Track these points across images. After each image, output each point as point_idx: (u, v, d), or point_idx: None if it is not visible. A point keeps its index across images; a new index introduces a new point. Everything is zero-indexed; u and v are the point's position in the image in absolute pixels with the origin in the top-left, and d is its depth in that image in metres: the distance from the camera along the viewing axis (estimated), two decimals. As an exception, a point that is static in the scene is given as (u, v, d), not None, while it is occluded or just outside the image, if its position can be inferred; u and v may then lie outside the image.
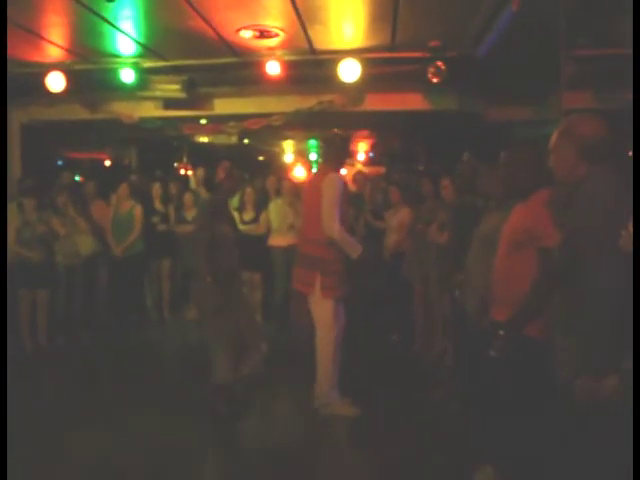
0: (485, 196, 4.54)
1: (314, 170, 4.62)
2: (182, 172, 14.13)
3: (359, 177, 9.27)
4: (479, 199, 4.89)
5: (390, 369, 6.03)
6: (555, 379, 2.89)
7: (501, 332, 3.08)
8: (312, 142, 16.21)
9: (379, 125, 11.24)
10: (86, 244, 7.24)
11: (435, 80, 6.92)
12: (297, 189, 7.58)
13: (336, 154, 4.96)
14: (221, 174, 8.95)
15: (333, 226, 4.64)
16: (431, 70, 6.89)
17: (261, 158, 17.13)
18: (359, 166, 17.48)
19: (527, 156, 3.31)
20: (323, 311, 4.83)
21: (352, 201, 7.64)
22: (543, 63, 6.14)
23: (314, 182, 5.01)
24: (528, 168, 3.24)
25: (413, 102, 8.19)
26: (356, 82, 7.29)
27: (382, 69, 7.28)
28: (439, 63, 6.82)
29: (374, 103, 8.34)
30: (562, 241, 2.82)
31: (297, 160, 16.19)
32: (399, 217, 6.76)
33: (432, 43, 6.70)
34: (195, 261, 5.02)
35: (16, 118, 9.14)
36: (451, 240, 5.33)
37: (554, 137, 3.14)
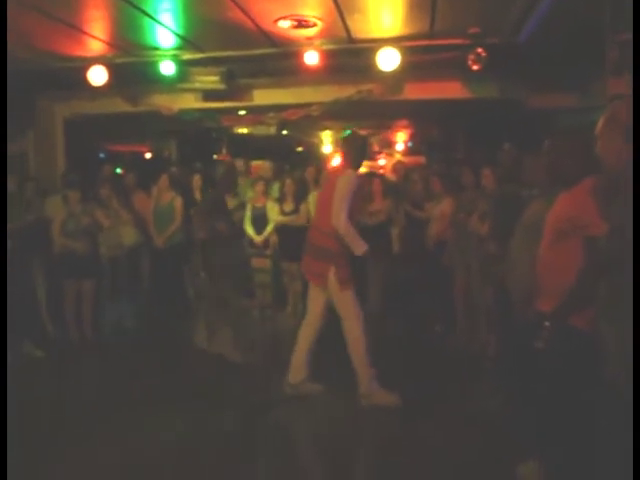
0: (529, 185, 4.46)
1: (333, 163, 4.66)
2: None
3: (399, 167, 9.21)
4: (521, 188, 4.82)
5: (432, 360, 5.97)
6: (603, 371, 2.83)
7: (547, 323, 3.04)
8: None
9: (418, 114, 11.14)
10: (129, 235, 7.34)
11: (475, 67, 6.80)
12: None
13: (355, 154, 5.06)
14: (220, 169, 9.02)
15: (340, 220, 4.73)
16: (471, 57, 6.77)
17: (300, 149, 17.15)
18: (398, 156, 17.37)
19: (572, 144, 3.24)
20: (346, 302, 4.90)
21: (391, 192, 7.64)
22: (586, 48, 6.00)
23: (330, 176, 5.13)
24: (573, 156, 3.17)
25: (452, 90, 8.08)
26: (395, 71, 7.21)
27: (421, 57, 7.17)
28: (479, 50, 6.70)
29: (413, 92, 8.25)
30: (609, 230, 2.76)
31: (335, 151, 16.14)
32: (441, 207, 6.69)
33: (472, 30, 6.58)
34: (193, 257, 5.19)
35: (59, 112, 9.31)
36: (492, 230, 5.26)
37: (600, 124, 3.07)
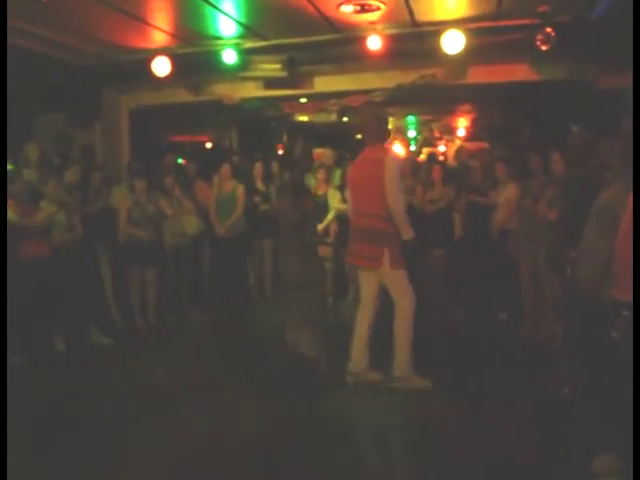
0: (603, 168, 4.27)
1: (370, 146, 4.62)
2: (281, 152, 14.27)
3: (461, 153, 9.04)
4: (593, 172, 4.63)
5: (498, 349, 5.84)
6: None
7: (625, 312, 2.90)
8: (411, 119, 15.97)
9: (482, 99, 10.89)
10: (192, 224, 7.43)
11: (544, 48, 6.56)
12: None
13: (376, 134, 5.09)
14: (298, 150, 8.98)
15: (398, 202, 4.81)
16: (539, 37, 6.53)
17: (359, 136, 17.05)
18: (458, 142, 17.10)
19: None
20: (400, 282, 4.94)
21: (451, 178, 7.50)
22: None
23: (368, 159, 5.04)
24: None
25: (519, 73, 7.87)
26: (459, 54, 7.02)
27: (487, 39, 6.96)
28: (548, 29, 6.45)
29: (478, 75, 8.06)
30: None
31: (396, 137, 15.98)
32: (506, 193, 6.53)
33: (541, 8, 6.34)
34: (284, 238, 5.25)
35: (124, 104, 9.50)
36: (561, 216, 5.09)
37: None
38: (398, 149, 14.83)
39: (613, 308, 3.04)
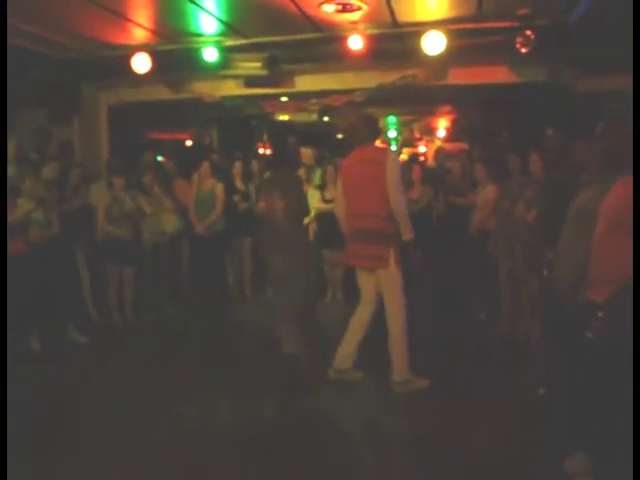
0: (580, 170, 4.31)
1: (362, 146, 4.60)
2: (262, 151, 14.23)
3: (440, 154, 9.07)
4: (570, 174, 4.67)
5: (476, 348, 5.88)
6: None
7: (600, 314, 2.94)
8: (391, 119, 16.01)
9: (462, 100, 10.95)
10: (171, 222, 7.40)
11: (524, 50, 6.61)
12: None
13: (366, 134, 5.05)
14: (288, 148, 8.96)
15: (402, 202, 4.83)
16: (519, 40, 6.58)
17: (340, 136, 17.06)
18: (439, 143, 17.18)
19: (627, 127, 3.10)
20: (399, 283, 4.92)
21: (431, 179, 7.54)
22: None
23: (365, 159, 4.96)
24: (628, 140, 3.04)
25: (499, 75, 7.94)
26: (440, 55, 7.05)
27: (467, 41, 7.00)
28: (528, 32, 6.50)
29: (458, 77, 8.12)
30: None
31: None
32: (485, 194, 6.57)
33: (521, 11, 6.40)
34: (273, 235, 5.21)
35: (103, 100, 9.42)
36: (540, 217, 5.13)
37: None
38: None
39: (588, 309, 3.07)
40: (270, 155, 6.64)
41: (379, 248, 4.85)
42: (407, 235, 4.84)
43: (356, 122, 5.17)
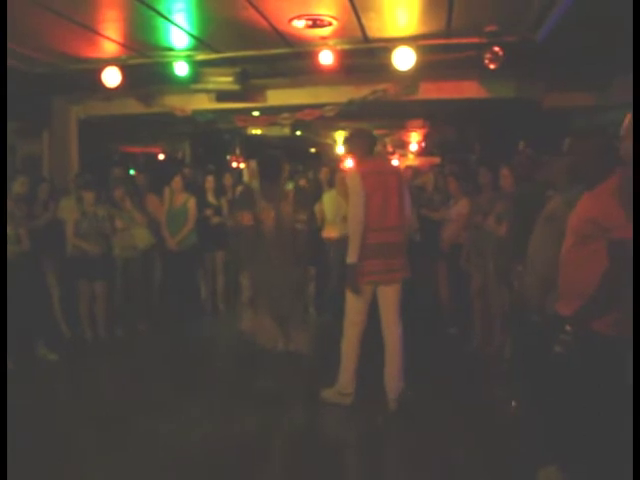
0: (548, 185, 4.38)
1: (379, 158, 4.64)
2: (235, 165, 14.21)
3: (408, 171, 9.14)
4: (539, 188, 4.74)
5: (448, 363, 5.90)
6: (626, 377, 2.76)
7: (568, 327, 2.97)
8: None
9: (433, 114, 11.06)
10: (142, 237, 7.32)
11: (492, 66, 6.70)
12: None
13: (362, 147, 5.00)
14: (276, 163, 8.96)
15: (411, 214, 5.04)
16: (488, 56, 6.67)
17: (313, 150, 17.14)
18: (411, 157, 17.31)
19: (594, 143, 3.16)
20: (398, 296, 4.87)
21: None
22: (604, 47, 5.91)
23: (380, 170, 4.87)
24: (595, 155, 3.10)
25: (469, 90, 8.03)
26: (410, 70, 7.12)
27: (437, 56, 7.10)
28: (496, 48, 6.60)
29: (428, 91, 8.20)
30: (633, 232, 2.69)
31: (346, 153, 16.11)
32: (457, 208, 6.61)
33: (489, 28, 6.48)
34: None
35: (74, 114, 9.34)
36: (510, 231, 5.19)
37: (625, 124, 3.00)
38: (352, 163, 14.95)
39: (557, 323, 3.10)
40: (258, 168, 6.60)
41: (398, 261, 4.80)
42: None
43: (353, 135, 5.21)
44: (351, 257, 4.66)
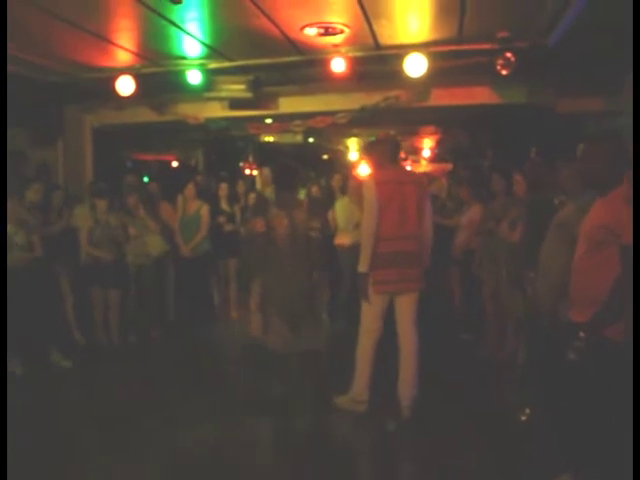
0: (562, 191, 4.36)
1: (402, 165, 4.68)
2: (247, 172, 14.25)
3: (425, 176, 9.12)
4: (552, 195, 4.72)
5: (460, 369, 5.87)
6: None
7: (581, 334, 2.95)
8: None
9: (445, 120, 11.05)
10: (156, 244, 7.35)
11: (504, 72, 6.69)
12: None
13: (391, 155, 4.98)
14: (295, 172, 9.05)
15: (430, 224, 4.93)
16: (500, 62, 6.66)
17: (325, 157, 17.15)
18: (424, 163, 17.28)
19: (607, 149, 3.14)
20: (414, 306, 4.85)
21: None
22: (616, 52, 5.87)
23: (401, 180, 4.84)
24: (609, 162, 3.08)
25: (481, 96, 8.01)
26: (422, 77, 7.12)
27: (449, 62, 7.09)
28: (508, 54, 6.59)
29: (440, 98, 8.19)
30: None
31: (361, 158, 16.09)
32: (469, 215, 6.59)
33: (501, 34, 6.47)
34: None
35: (88, 122, 9.42)
36: (523, 237, 5.17)
37: (640, 129, 2.98)
38: (365, 170, 14.95)
39: (570, 329, 3.08)
40: (272, 175, 6.62)
41: (417, 270, 4.79)
42: (428, 259, 4.91)
43: (380, 143, 5.20)
44: (362, 266, 4.67)
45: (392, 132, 9.13)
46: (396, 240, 4.68)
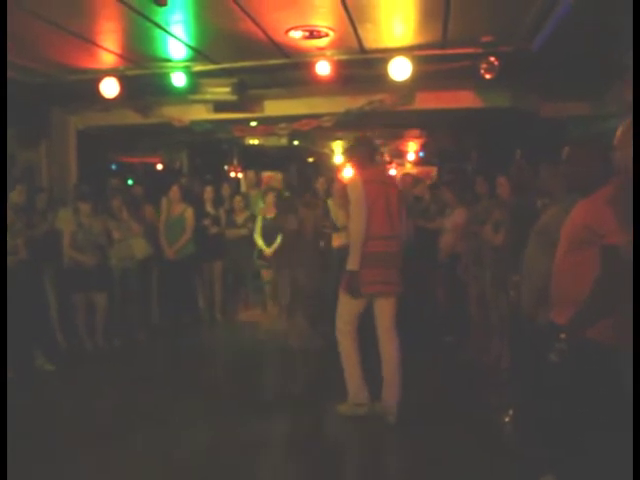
0: (545, 194, 4.40)
1: (382, 167, 4.76)
2: (232, 175, 14.22)
3: (407, 179, 9.15)
4: (536, 197, 4.76)
5: (444, 371, 5.90)
6: (621, 385, 2.76)
7: (562, 335, 2.96)
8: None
9: (430, 124, 11.09)
10: (140, 247, 7.32)
11: (488, 76, 6.75)
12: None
13: (364, 156, 5.01)
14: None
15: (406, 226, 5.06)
16: (484, 66, 6.72)
17: (310, 160, 17.12)
18: (409, 166, 17.31)
19: (590, 152, 3.18)
20: (394, 310, 4.82)
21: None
22: (599, 56, 5.94)
23: (380, 180, 4.89)
24: (592, 164, 3.11)
25: (465, 100, 8.04)
26: (407, 80, 7.15)
27: (433, 66, 7.12)
28: (492, 59, 6.65)
29: (425, 101, 8.21)
30: (628, 239, 2.70)
31: (346, 161, 16.09)
32: (454, 218, 6.61)
33: (484, 38, 6.53)
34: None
35: (72, 124, 9.36)
36: (507, 240, 5.20)
37: (619, 133, 3.01)
38: (350, 173, 14.95)
39: (551, 331, 3.10)
40: (293, 181, 6.68)
41: (395, 272, 4.76)
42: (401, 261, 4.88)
43: (357, 145, 5.18)
44: (352, 264, 4.64)
45: (369, 134, 9.14)
46: (382, 240, 4.69)
